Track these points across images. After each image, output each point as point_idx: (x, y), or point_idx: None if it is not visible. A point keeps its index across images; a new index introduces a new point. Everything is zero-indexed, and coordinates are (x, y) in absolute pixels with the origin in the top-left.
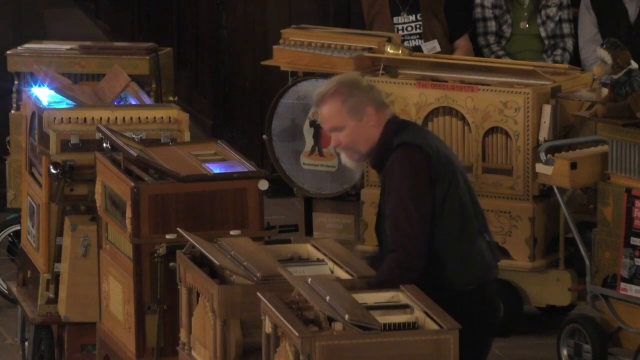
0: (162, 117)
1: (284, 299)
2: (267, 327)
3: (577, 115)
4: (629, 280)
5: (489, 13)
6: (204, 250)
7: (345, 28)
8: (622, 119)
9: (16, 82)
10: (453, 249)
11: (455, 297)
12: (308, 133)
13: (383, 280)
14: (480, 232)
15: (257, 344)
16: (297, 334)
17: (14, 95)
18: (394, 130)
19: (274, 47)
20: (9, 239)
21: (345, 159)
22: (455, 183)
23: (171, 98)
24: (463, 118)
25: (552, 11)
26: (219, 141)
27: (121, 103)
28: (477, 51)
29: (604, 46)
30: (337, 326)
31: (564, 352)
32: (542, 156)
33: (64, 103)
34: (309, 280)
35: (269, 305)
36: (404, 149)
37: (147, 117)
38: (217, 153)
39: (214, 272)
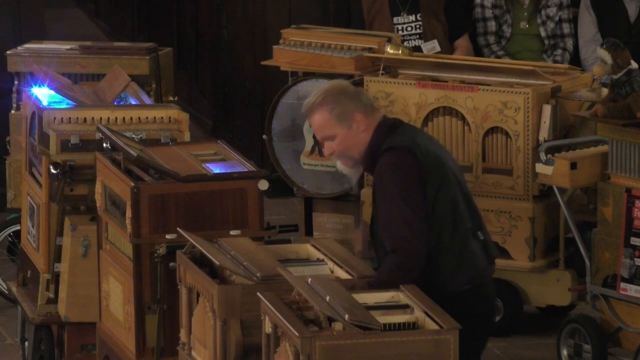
0: (162, 117)
1: (284, 299)
2: (267, 327)
3: (577, 115)
4: (629, 280)
5: (489, 13)
6: (204, 250)
7: (345, 28)
8: (622, 119)
9: (16, 82)
10: (445, 250)
11: (448, 298)
12: (308, 133)
13: (383, 280)
14: (473, 232)
15: (257, 344)
16: (297, 334)
17: (14, 95)
18: (384, 133)
19: (274, 47)
20: (9, 239)
21: (340, 165)
22: (446, 183)
23: (171, 98)
24: (463, 118)
25: (552, 11)
26: (219, 141)
27: (121, 103)
28: (477, 51)
29: (604, 46)
30: (337, 326)
31: (564, 352)
32: (542, 156)
33: (64, 103)
34: (309, 280)
35: (269, 305)
36: (391, 153)
37: (147, 117)
38: (217, 153)
39: (214, 272)
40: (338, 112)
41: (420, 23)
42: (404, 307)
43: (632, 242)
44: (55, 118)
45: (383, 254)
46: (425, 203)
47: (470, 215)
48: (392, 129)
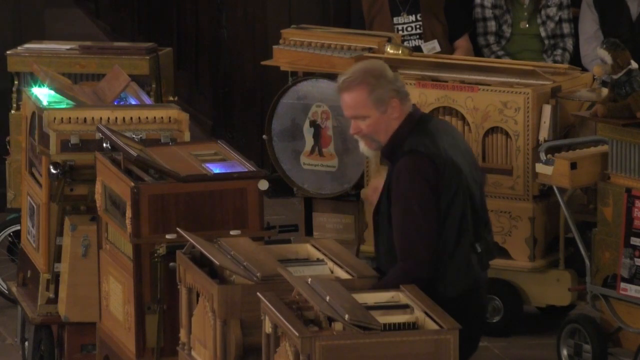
0: (162, 117)
1: (284, 299)
2: (267, 327)
3: (577, 115)
4: (629, 280)
5: (489, 13)
6: (204, 250)
7: (345, 28)
8: (622, 119)
9: (16, 82)
10: (445, 263)
11: (442, 303)
12: (308, 133)
13: (390, 287)
14: (472, 245)
15: (257, 344)
16: (297, 334)
17: (14, 95)
18: (411, 126)
19: (274, 47)
20: (9, 239)
21: (363, 146)
22: (459, 196)
23: (171, 98)
24: (463, 118)
25: (552, 11)
26: (219, 141)
27: (121, 103)
28: (477, 51)
29: (604, 46)
30: (337, 326)
31: (564, 352)
32: (542, 156)
33: (64, 103)
34: (309, 280)
35: (269, 305)
36: (411, 158)
37: (147, 117)
38: (217, 153)
39: (214, 272)
40: (377, 95)
41: (420, 23)
42: (404, 307)
43: (632, 242)
44: (55, 118)
45: (384, 251)
46: (438, 213)
47: (473, 227)
48: (420, 124)
